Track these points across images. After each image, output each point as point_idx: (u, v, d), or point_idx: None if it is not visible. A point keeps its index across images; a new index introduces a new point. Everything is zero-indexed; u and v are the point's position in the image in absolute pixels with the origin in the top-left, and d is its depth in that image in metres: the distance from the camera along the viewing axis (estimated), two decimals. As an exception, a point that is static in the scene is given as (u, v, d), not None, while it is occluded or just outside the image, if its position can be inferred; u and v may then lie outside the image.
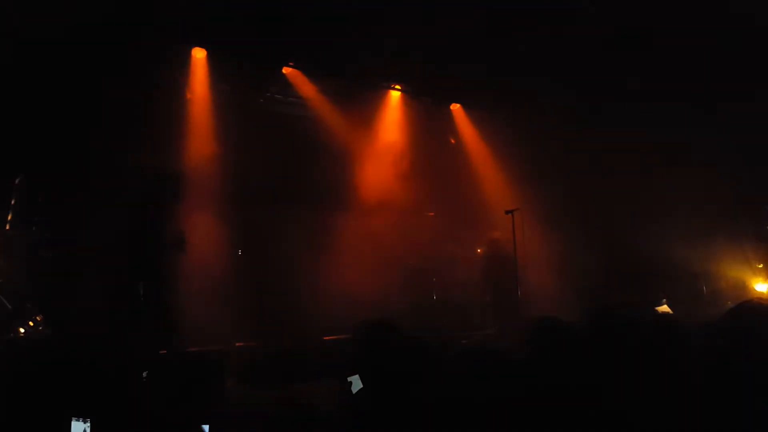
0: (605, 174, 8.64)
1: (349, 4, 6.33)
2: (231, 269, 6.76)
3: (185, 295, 6.09)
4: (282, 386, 5.33)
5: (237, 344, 5.86)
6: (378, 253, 7.82)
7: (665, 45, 7.06)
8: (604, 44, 7.15)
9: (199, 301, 6.12)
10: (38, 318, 4.94)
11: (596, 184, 8.70)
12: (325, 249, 7.71)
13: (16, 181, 5.18)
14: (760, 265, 8.59)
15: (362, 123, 8.64)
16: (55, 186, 5.81)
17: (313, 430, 2.07)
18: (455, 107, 9.47)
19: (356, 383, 2.23)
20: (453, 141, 9.67)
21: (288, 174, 8.46)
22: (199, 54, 7.22)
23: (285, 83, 8.04)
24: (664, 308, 7.81)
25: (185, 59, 7.15)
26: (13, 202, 5.18)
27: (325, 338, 6.23)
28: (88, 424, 2.30)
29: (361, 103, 8.54)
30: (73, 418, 2.30)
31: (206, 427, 2.22)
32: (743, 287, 8.46)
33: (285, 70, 7.92)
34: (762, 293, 8.31)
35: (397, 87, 8.79)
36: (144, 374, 4.92)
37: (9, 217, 5.14)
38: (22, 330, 4.81)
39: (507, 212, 6.40)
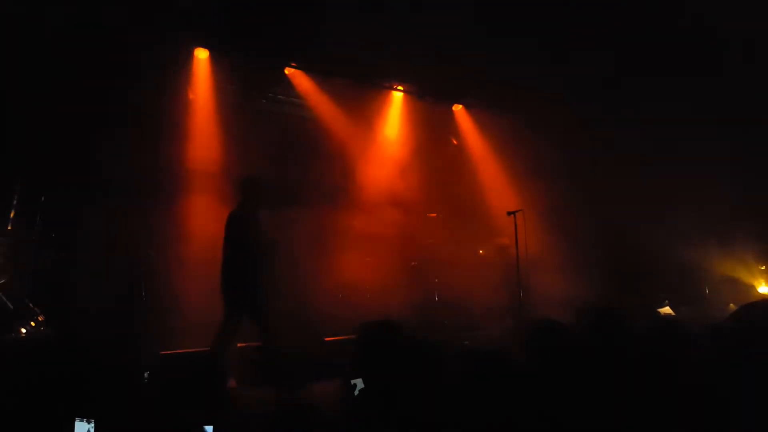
0: (608, 174, 8.64)
1: (351, 5, 6.32)
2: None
3: (188, 295, 6.11)
4: (283, 387, 5.33)
5: (238, 344, 5.85)
6: (380, 253, 7.81)
7: (664, 44, 7.05)
8: (606, 44, 7.15)
9: (202, 301, 6.13)
10: (40, 318, 4.94)
11: (599, 184, 8.70)
12: (326, 249, 7.71)
13: (19, 181, 5.18)
14: (763, 267, 8.57)
15: (365, 123, 8.64)
16: (57, 186, 5.82)
17: (315, 430, 2.06)
18: (457, 108, 9.46)
19: (358, 384, 2.22)
20: (455, 141, 9.67)
21: (290, 174, 8.47)
22: (201, 54, 7.23)
23: (287, 84, 8.04)
24: (666, 309, 7.81)
25: (188, 60, 7.16)
26: (15, 202, 5.19)
27: (326, 339, 6.23)
28: (92, 425, 2.30)
29: (363, 103, 8.54)
30: (77, 419, 2.30)
31: (209, 428, 2.22)
32: (745, 289, 8.45)
33: (287, 70, 7.93)
34: (765, 295, 8.30)
35: (400, 87, 8.79)
36: (146, 374, 4.93)
37: (11, 216, 5.14)
38: (23, 330, 4.81)
39: (509, 213, 6.39)
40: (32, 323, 4.86)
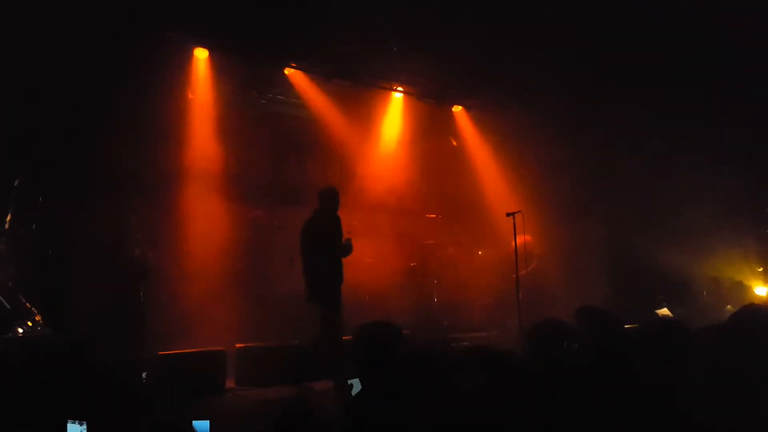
0: (606, 176, 8.66)
1: (351, 6, 6.32)
2: (232, 269, 6.76)
3: (187, 296, 6.11)
4: (282, 387, 5.32)
5: (238, 345, 5.84)
6: (379, 254, 7.81)
7: (662, 44, 7.06)
8: (604, 45, 7.15)
9: (200, 302, 6.13)
10: (37, 318, 4.92)
11: (597, 186, 8.71)
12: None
13: (17, 180, 5.17)
14: (760, 269, 8.58)
15: (364, 125, 8.65)
16: (56, 186, 5.80)
17: (314, 430, 2.06)
18: (457, 109, 9.47)
19: (356, 385, 2.22)
20: (455, 143, 9.67)
21: (289, 174, 8.47)
22: (201, 54, 7.23)
23: (287, 84, 8.04)
24: (664, 311, 7.81)
25: (187, 59, 7.16)
26: (13, 201, 5.17)
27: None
28: (84, 427, 2.29)
29: (363, 104, 8.54)
30: (69, 421, 2.28)
31: (207, 427, 2.21)
32: (743, 291, 8.46)
33: (287, 71, 7.92)
34: (762, 297, 8.31)
35: (400, 89, 8.79)
36: (144, 375, 4.93)
37: (8, 217, 5.13)
38: (20, 330, 4.79)
39: (508, 215, 6.39)
40: (29, 323, 4.84)
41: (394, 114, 8.90)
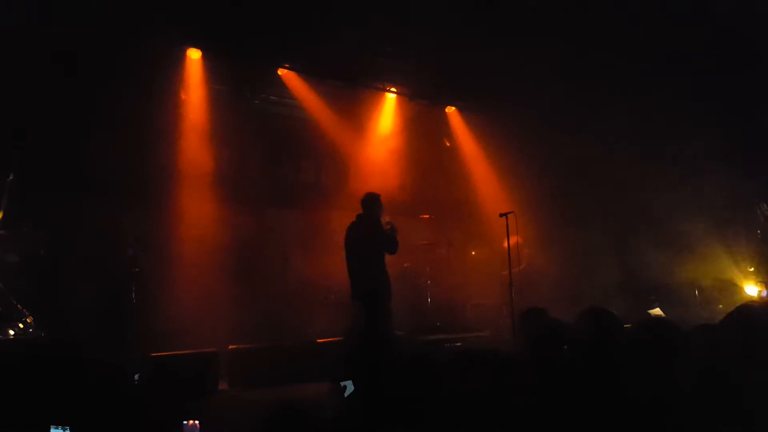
0: (599, 175, 8.70)
1: (345, 6, 6.33)
2: (224, 270, 6.73)
3: (179, 297, 6.08)
4: (275, 388, 5.31)
5: (230, 346, 5.82)
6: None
7: (658, 45, 7.11)
8: (599, 45, 7.20)
9: (193, 303, 6.10)
10: (29, 320, 4.88)
11: (590, 187, 8.76)
12: (318, 251, 7.69)
13: (7, 179, 5.12)
14: (751, 269, 8.65)
15: (357, 125, 8.65)
16: (48, 186, 5.77)
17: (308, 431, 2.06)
18: (450, 110, 9.49)
19: (349, 386, 2.22)
20: (448, 143, 9.69)
21: (282, 175, 8.46)
22: (194, 55, 7.20)
23: (280, 85, 8.02)
24: (657, 311, 7.86)
25: (180, 60, 7.13)
26: (3, 201, 5.13)
27: (318, 341, 6.22)
28: (68, 430, 2.27)
29: (356, 105, 8.54)
30: (52, 427, 2.27)
31: (200, 429, 2.20)
32: (735, 290, 8.52)
33: (280, 71, 7.91)
34: (752, 296, 8.38)
35: (393, 89, 8.80)
36: (136, 376, 4.90)
37: (0, 216, 5.08)
38: (11, 332, 4.75)
39: (501, 215, 6.40)
40: (20, 325, 4.80)
41: (387, 114, 8.91)
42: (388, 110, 8.91)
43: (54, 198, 5.81)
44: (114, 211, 6.37)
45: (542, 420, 2.03)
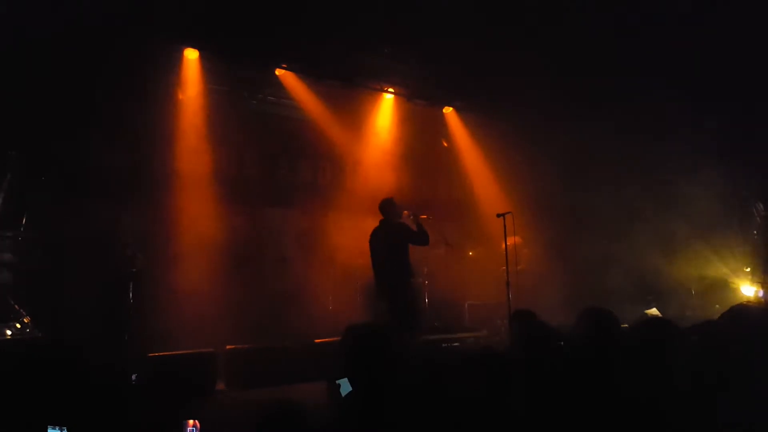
0: (595, 176, 8.71)
1: (342, 7, 6.33)
2: (221, 270, 6.74)
3: (177, 297, 6.08)
4: (273, 388, 5.31)
5: (228, 347, 5.82)
6: (369, 255, 7.80)
7: (655, 44, 7.12)
8: (596, 45, 7.21)
9: (190, 303, 6.10)
10: (26, 320, 4.88)
11: (587, 187, 8.77)
12: (316, 251, 7.70)
13: (4, 180, 5.12)
14: (747, 269, 8.68)
15: (355, 125, 8.65)
16: (45, 186, 5.76)
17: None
18: (448, 110, 9.50)
19: (345, 386, 2.22)
20: (445, 144, 9.70)
21: (280, 175, 8.46)
22: (191, 55, 7.19)
23: (278, 85, 8.02)
24: (653, 311, 7.88)
25: (177, 60, 7.12)
26: (0, 201, 5.12)
27: (316, 341, 6.22)
28: (65, 431, 2.27)
29: (354, 105, 8.54)
30: (49, 427, 2.27)
31: (197, 429, 2.20)
32: (731, 290, 8.55)
33: (278, 71, 7.90)
34: (749, 296, 8.40)
35: (391, 90, 8.80)
36: (133, 376, 4.89)
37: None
38: (8, 332, 4.75)
39: (498, 215, 6.42)
40: (18, 325, 4.79)
41: (384, 115, 8.91)
42: (385, 110, 8.91)
43: (51, 198, 5.80)
44: (112, 211, 6.36)
45: (540, 420, 2.04)
